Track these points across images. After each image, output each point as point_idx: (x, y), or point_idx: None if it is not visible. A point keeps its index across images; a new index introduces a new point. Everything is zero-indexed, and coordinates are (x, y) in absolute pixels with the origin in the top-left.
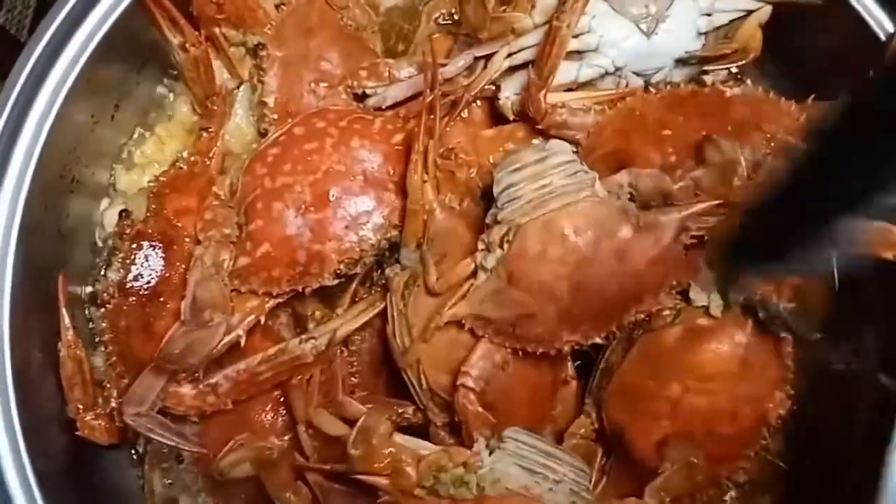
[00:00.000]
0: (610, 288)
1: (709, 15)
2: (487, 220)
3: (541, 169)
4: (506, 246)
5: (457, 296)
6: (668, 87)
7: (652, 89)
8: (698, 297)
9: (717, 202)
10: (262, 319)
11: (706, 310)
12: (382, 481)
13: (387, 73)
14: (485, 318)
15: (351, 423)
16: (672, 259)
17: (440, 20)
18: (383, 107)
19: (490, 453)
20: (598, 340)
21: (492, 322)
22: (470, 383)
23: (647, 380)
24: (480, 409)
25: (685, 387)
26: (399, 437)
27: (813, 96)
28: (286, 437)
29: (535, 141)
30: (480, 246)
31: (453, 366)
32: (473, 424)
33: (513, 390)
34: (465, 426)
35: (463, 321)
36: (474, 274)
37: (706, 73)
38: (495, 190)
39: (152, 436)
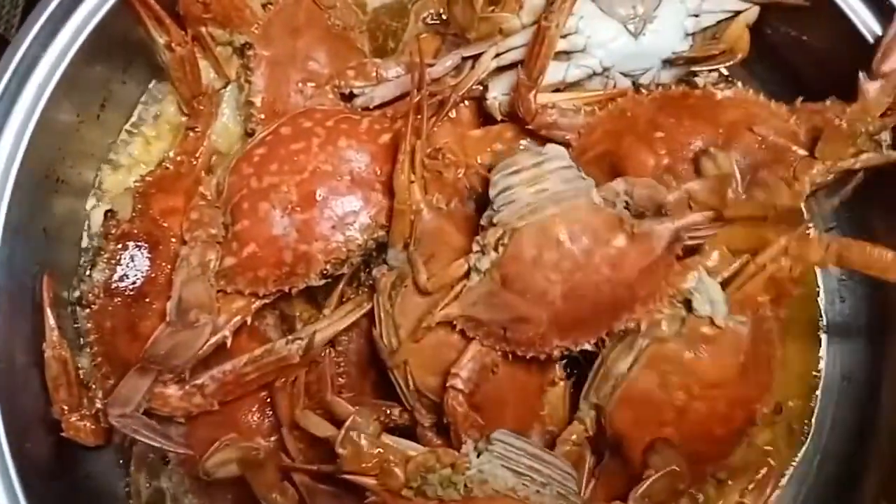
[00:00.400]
0: (602, 295)
1: (696, 16)
2: (482, 222)
3: (538, 173)
4: (501, 249)
5: (449, 297)
6: (659, 88)
7: (643, 90)
8: (701, 307)
9: (709, 213)
10: (249, 320)
11: (710, 320)
12: (370, 481)
13: (374, 73)
14: (476, 320)
15: (338, 423)
16: (664, 268)
17: (428, 20)
18: (371, 106)
19: (478, 455)
20: (587, 347)
21: (483, 324)
22: (459, 385)
23: (654, 388)
24: (469, 411)
25: (690, 394)
26: (387, 438)
27: (801, 98)
28: (272, 438)
29: (523, 142)
30: (475, 248)
31: (441, 367)
32: (462, 426)
33: (501, 392)
34: (453, 427)
35: (454, 322)
36: (467, 275)
37: (696, 74)
38: (491, 192)
39: (137, 437)
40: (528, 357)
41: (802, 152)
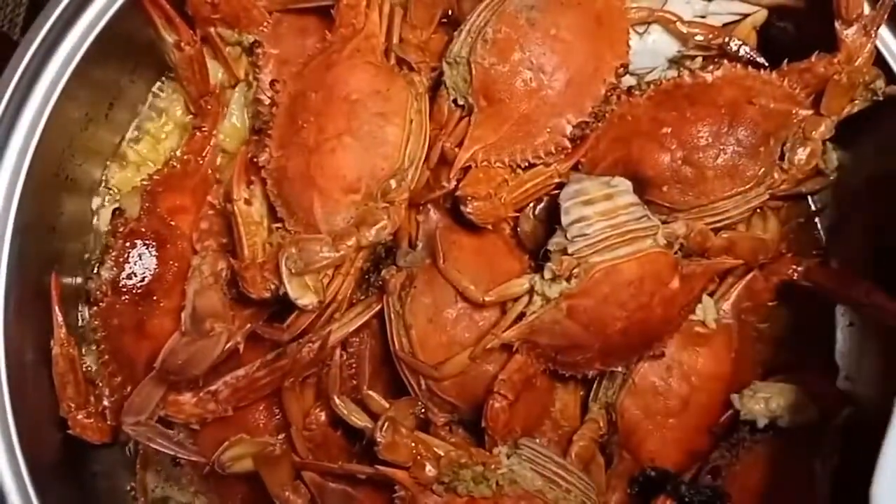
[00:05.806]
0: (647, 329)
1: (703, 17)
2: (551, 247)
3: (611, 207)
4: (573, 281)
5: (510, 319)
6: (651, 86)
7: (637, 92)
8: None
9: (739, 263)
10: None
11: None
12: (400, 474)
13: None
14: (534, 343)
15: (372, 417)
16: (693, 302)
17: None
18: None
19: (508, 457)
20: (618, 369)
21: (539, 346)
22: (507, 392)
23: (659, 381)
24: (510, 419)
25: (691, 385)
26: (419, 434)
27: (786, 60)
28: (280, 437)
29: None
30: (547, 275)
31: None
32: (501, 432)
33: (526, 395)
34: (489, 431)
35: (514, 344)
36: (528, 293)
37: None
38: (564, 219)
39: (152, 445)
40: (566, 375)
41: (804, 112)
